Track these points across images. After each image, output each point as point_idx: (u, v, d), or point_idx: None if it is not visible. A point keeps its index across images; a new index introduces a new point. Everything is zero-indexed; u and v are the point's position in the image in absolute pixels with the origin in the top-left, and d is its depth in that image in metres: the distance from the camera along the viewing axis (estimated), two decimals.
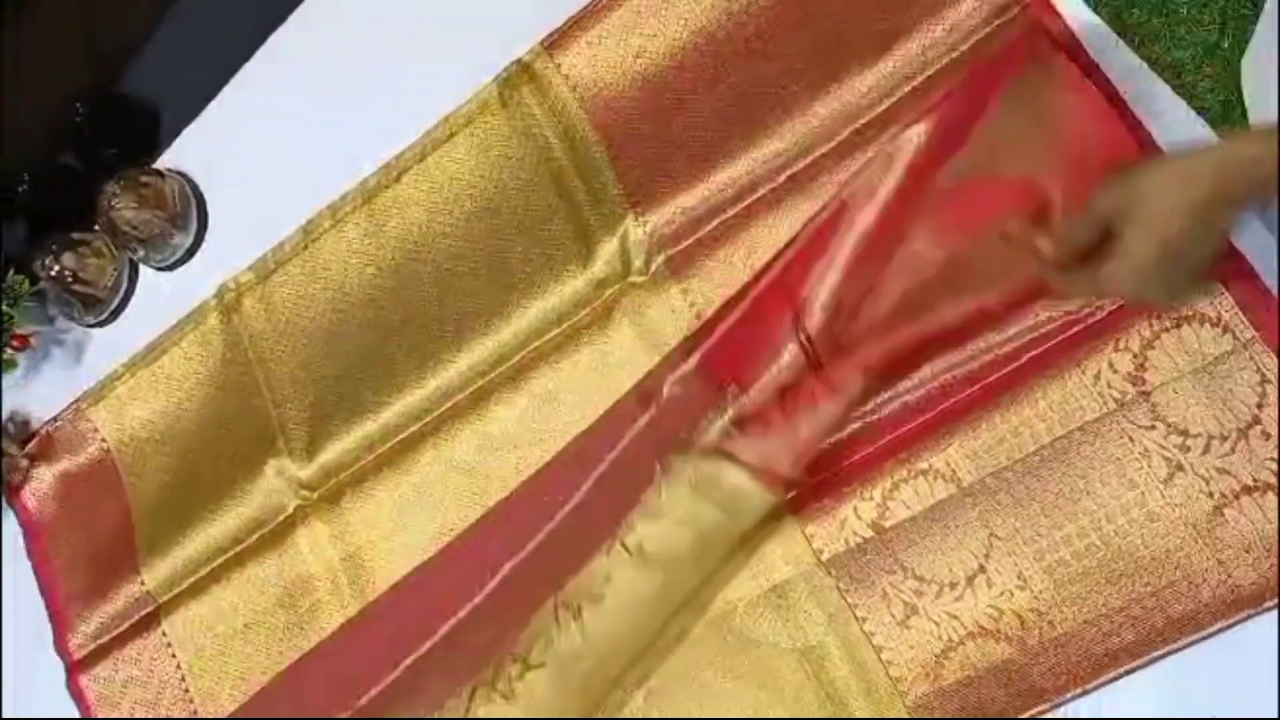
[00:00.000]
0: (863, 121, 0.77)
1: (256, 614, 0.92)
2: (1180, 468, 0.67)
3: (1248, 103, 0.70)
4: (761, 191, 0.80)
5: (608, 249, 0.83)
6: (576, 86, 0.87)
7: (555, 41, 0.88)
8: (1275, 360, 0.66)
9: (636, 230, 0.83)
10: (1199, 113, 0.70)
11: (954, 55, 0.75)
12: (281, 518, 0.92)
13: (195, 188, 1.06)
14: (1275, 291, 0.66)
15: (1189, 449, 0.67)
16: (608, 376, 0.82)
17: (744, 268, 0.80)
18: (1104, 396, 0.69)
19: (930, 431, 0.73)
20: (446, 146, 0.91)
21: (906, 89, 0.76)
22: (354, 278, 0.93)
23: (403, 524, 0.87)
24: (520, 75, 0.89)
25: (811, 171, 0.78)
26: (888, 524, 0.74)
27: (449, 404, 0.87)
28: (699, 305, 0.81)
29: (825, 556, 0.75)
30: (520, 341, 0.86)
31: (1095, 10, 0.73)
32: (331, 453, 0.91)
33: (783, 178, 0.79)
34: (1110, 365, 0.69)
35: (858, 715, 0.73)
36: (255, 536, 0.93)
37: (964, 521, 0.72)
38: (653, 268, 0.82)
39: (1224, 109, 0.70)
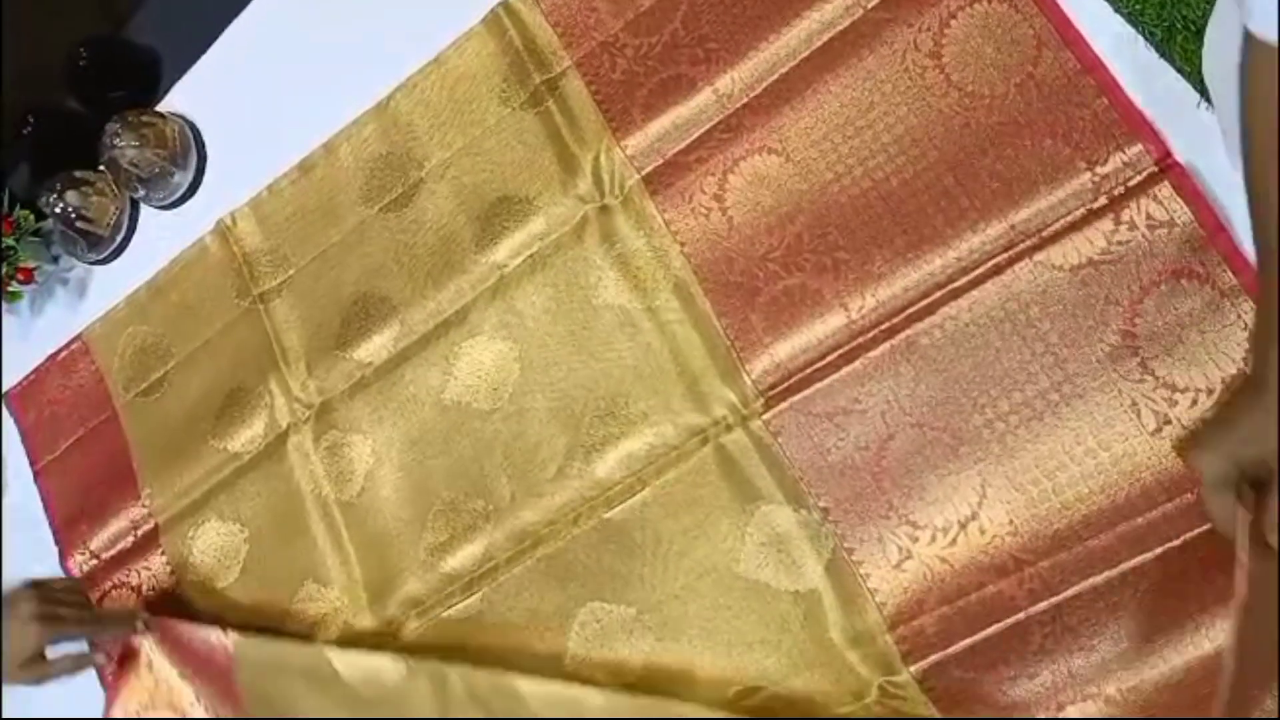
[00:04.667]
0: (831, 35, 0.80)
1: (253, 528, 0.95)
2: (1168, 421, 0.68)
3: (1207, 81, 0.69)
4: (733, 110, 0.82)
5: (585, 172, 0.86)
6: (558, 22, 0.90)
7: None
8: None
9: (613, 153, 0.85)
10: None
11: None
12: (276, 434, 0.95)
13: (195, 129, 1.10)
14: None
15: (1176, 403, 0.68)
16: (578, 296, 0.85)
17: (717, 189, 0.82)
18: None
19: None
20: (436, 80, 0.94)
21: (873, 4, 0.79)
22: (346, 204, 0.96)
23: (389, 436, 0.91)
24: (505, 14, 0.92)
25: (782, 88, 0.81)
26: (884, 462, 0.75)
27: (436, 322, 0.90)
28: (675, 228, 0.83)
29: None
30: (501, 263, 0.89)
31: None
32: (326, 369, 0.94)
33: (758, 91, 0.82)
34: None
35: (849, 657, 0.74)
36: (252, 453, 0.96)
37: (958, 470, 0.73)
38: (626, 188, 0.85)
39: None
